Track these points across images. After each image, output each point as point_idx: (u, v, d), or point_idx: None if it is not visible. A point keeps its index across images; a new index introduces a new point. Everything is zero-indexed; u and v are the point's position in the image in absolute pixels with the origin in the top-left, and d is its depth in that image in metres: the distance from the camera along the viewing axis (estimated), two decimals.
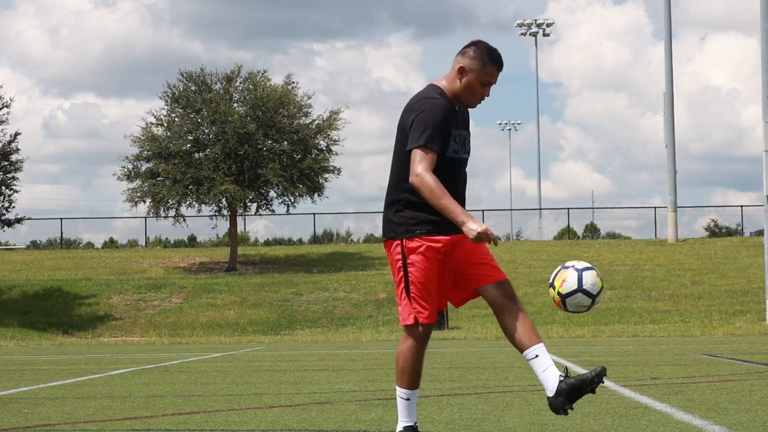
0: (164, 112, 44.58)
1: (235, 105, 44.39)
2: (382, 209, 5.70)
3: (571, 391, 5.33)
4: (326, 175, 44.54)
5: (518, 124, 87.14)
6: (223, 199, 43.52)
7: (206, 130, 44.10)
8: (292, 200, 44.60)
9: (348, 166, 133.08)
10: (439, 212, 5.46)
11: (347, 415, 7.31)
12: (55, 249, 53.70)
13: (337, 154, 44.78)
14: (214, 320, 36.34)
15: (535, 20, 69.18)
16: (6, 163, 40.15)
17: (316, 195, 44.43)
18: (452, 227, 5.49)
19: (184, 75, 44.71)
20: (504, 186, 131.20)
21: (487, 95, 5.60)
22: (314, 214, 54.08)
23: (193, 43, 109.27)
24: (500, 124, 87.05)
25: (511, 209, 63.47)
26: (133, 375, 13.02)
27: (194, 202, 43.65)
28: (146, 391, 10.14)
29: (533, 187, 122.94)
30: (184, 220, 44.96)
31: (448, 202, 5.40)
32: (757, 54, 27.50)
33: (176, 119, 44.14)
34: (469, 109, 5.71)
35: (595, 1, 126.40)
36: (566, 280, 5.75)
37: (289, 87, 44.97)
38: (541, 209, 60.98)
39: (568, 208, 57.50)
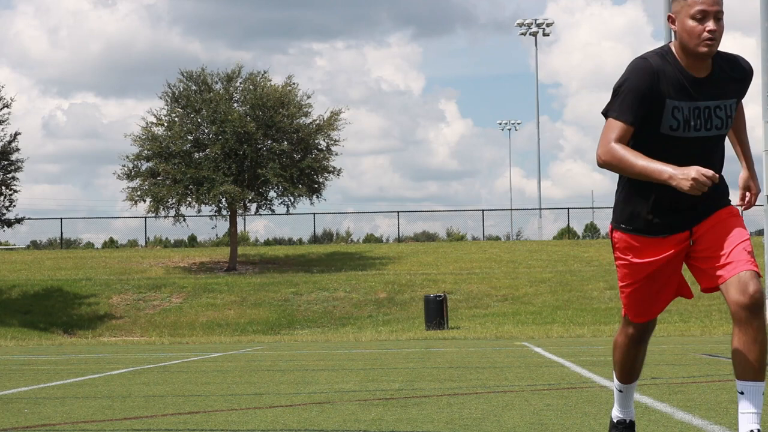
0: (164, 112, 44.65)
1: (235, 105, 44.40)
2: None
3: None
4: (326, 175, 44.58)
5: (518, 123, 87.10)
6: (223, 199, 43.53)
7: (206, 130, 44.11)
8: (292, 200, 44.62)
9: (348, 166, 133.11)
10: (651, 210, 4.75)
11: (347, 415, 7.31)
12: (55, 249, 53.69)
13: (337, 154, 44.88)
14: (214, 320, 36.36)
15: (535, 20, 69.14)
16: (6, 162, 40.17)
17: (314, 196, 44.46)
18: (664, 229, 4.79)
19: (184, 75, 44.74)
20: (504, 186, 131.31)
21: (712, 28, 4.59)
22: (314, 214, 54.12)
23: (192, 43, 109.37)
24: (500, 123, 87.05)
25: (511, 209, 63.49)
26: (133, 375, 13.02)
27: (194, 202, 43.67)
28: (146, 391, 10.14)
29: (533, 186, 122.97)
30: (184, 219, 45.00)
31: (644, 164, 4.53)
32: (757, 54, 27.42)
33: (176, 119, 44.15)
34: (700, 77, 4.73)
35: (594, 2, 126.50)
36: None
37: (289, 87, 44.99)
38: (541, 209, 60.95)
39: (568, 208, 57.52)
